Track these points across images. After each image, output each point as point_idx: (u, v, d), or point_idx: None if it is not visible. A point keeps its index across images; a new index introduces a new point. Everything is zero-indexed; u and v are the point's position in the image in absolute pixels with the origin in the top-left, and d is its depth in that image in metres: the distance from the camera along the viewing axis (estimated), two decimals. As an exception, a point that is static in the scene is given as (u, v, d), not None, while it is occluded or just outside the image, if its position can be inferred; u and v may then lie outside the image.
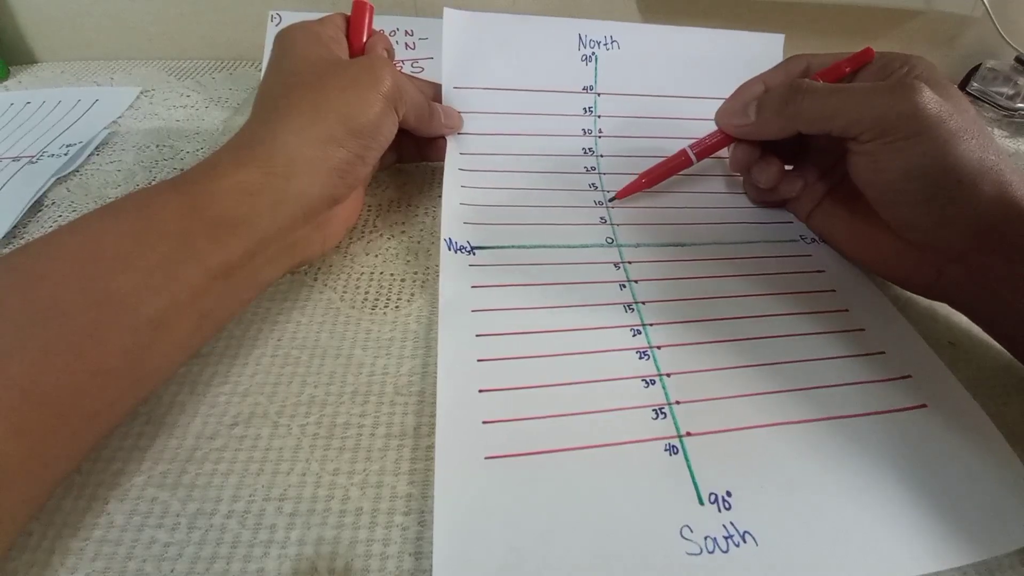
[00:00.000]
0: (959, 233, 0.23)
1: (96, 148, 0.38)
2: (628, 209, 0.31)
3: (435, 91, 0.33)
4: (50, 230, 0.31)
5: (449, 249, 0.27)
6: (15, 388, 0.16)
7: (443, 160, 0.32)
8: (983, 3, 0.44)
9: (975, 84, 0.48)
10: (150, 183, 0.35)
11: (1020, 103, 0.46)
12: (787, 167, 0.30)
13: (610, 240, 0.30)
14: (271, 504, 0.20)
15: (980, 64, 0.48)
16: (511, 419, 0.22)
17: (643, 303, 0.26)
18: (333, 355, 0.25)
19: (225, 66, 0.49)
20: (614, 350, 0.24)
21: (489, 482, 0.20)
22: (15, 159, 0.36)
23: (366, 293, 0.28)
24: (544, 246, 0.29)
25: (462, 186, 0.31)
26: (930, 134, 0.22)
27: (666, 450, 0.21)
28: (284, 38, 0.27)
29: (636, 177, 0.31)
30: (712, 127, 0.30)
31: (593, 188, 0.32)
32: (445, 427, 0.21)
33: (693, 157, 0.31)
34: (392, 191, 0.34)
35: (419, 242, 0.31)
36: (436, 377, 0.23)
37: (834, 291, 0.28)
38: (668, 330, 0.25)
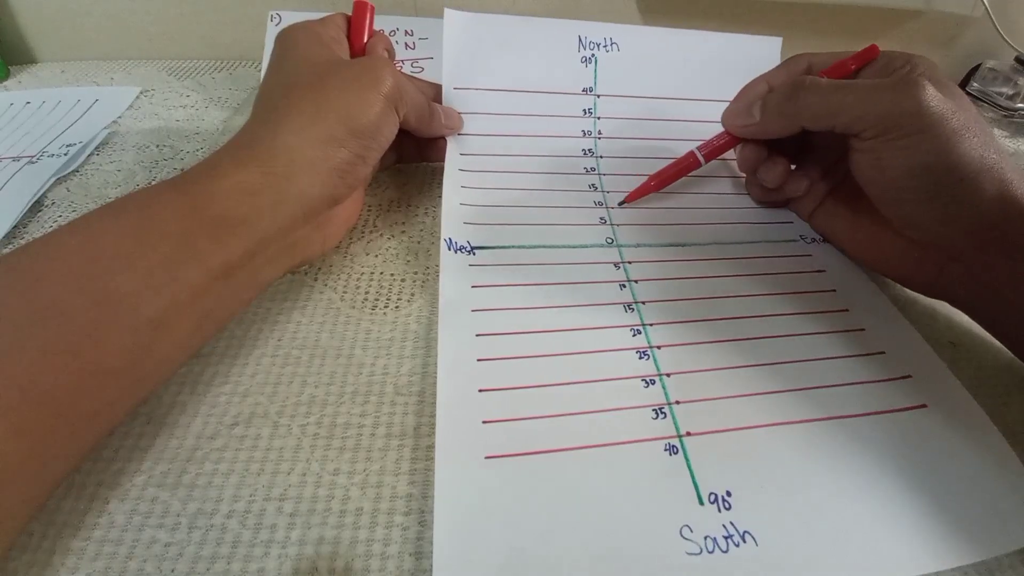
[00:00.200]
0: (960, 231, 0.23)
1: (96, 148, 0.38)
2: (628, 210, 0.31)
3: (436, 92, 0.33)
4: (50, 230, 0.31)
5: (449, 249, 0.27)
6: (14, 387, 0.16)
7: (443, 160, 0.32)
8: (983, 3, 0.44)
9: (975, 84, 0.48)
10: (150, 183, 0.35)
11: (1020, 103, 0.46)
12: (792, 167, 0.30)
13: (610, 240, 0.30)
14: (271, 504, 0.20)
15: (980, 64, 0.48)
16: (511, 419, 0.22)
17: (643, 303, 0.26)
18: (333, 355, 0.25)
19: (225, 66, 0.49)
20: (614, 350, 0.24)
21: (489, 482, 0.20)
22: (15, 159, 0.36)
23: (366, 293, 0.28)
24: (544, 246, 0.29)
25: (462, 186, 0.31)
26: (933, 132, 0.22)
27: (666, 450, 0.21)
28: (285, 38, 0.27)
29: (645, 180, 0.31)
30: (714, 127, 0.30)
31: (593, 189, 0.32)
32: (445, 427, 0.21)
33: (701, 159, 0.31)
34: (392, 191, 0.34)
35: (419, 242, 0.31)
36: (436, 377, 0.23)
37: (834, 291, 0.28)
38: (668, 330, 0.25)
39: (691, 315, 0.26)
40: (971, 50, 0.50)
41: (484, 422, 0.21)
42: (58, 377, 0.17)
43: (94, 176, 0.35)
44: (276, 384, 0.24)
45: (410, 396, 0.24)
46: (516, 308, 0.26)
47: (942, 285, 0.25)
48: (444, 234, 0.28)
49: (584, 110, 0.35)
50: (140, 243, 0.20)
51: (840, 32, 0.49)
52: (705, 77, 0.35)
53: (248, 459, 0.21)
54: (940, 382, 0.24)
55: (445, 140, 0.32)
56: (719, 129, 0.30)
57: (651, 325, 0.26)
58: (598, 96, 0.35)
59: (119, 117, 0.41)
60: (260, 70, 0.43)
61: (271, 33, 0.43)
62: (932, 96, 0.22)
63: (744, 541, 0.19)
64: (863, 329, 0.26)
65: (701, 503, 0.20)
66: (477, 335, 0.24)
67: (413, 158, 0.34)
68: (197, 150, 0.38)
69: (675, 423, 0.22)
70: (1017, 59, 0.47)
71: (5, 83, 0.46)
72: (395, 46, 0.37)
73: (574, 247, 0.29)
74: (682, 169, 0.31)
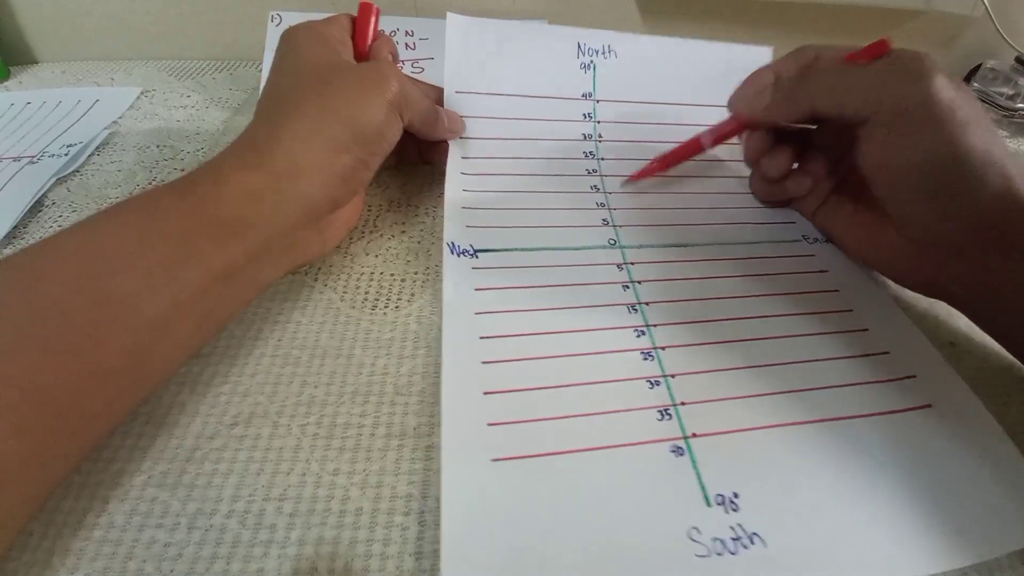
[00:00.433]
0: (961, 228, 0.23)
1: (96, 148, 0.38)
2: (630, 210, 0.31)
3: (438, 95, 0.33)
4: (51, 230, 0.31)
5: (452, 253, 0.27)
6: (14, 387, 0.16)
7: (444, 162, 0.32)
8: (983, 3, 0.44)
9: (975, 84, 0.48)
10: (150, 183, 0.35)
11: (1020, 103, 0.46)
12: (794, 165, 0.30)
13: (612, 241, 0.30)
14: (271, 504, 0.20)
15: (980, 64, 0.48)
16: (517, 421, 0.21)
17: (647, 304, 0.26)
18: (333, 355, 0.25)
19: (225, 66, 0.49)
20: (618, 351, 0.24)
21: (496, 484, 0.20)
22: (15, 159, 0.36)
23: (366, 293, 0.28)
24: (547, 248, 0.29)
25: (464, 190, 0.31)
26: (942, 121, 0.22)
27: (672, 451, 0.21)
28: (290, 39, 0.27)
29: (648, 162, 0.31)
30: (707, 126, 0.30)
31: (595, 190, 0.32)
32: (451, 429, 0.21)
33: (706, 143, 0.30)
34: (392, 191, 0.34)
35: (419, 242, 0.31)
36: (436, 377, 0.23)
37: (837, 291, 0.28)
38: (672, 331, 0.25)
39: (695, 316, 0.26)
40: (971, 50, 0.50)
41: (490, 424, 0.21)
42: (58, 377, 0.17)
43: (95, 176, 0.35)
44: (276, 384, 0.24)
45: (410, 396, 0.24)
46: (520, 310, 0.26)
47: (941, 284, 0.25)
48: (447, 238, 0.28)
49: (584, 114, 0.35)
50: (141, 244, 0.20)
51: (840, 32, 0.49)
52: (699, 83, 0.36)
53: (248, 459, 0.21)
54: (944, 382, 0.24)
55: (447, 143, 0.32)
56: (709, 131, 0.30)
57: (655, 326, 0.26)
58: (597, 101, 0.35)
59: (119, 117, 0.41)
60: (260, 70, 0.43)
61: (271, 33, 0.43)
62: (943, 86, 0.22)
63: (752, 543, 0.19)
64: (866, 329, 0.26)
65: (708, 505, 0.20)
66: (481, 337, 0.24)
67: (414, 159, 0.34)
68: (197, 150, 0.38)
69: (681, 424, 0.22)
70: (1017, 59, 0.47)
71: (5, 83, 0.46)
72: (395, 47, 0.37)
73: (577, 249, 0.29)
74: (686, 153, 0.31)
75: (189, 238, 0.20)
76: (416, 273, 0.29)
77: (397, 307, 0.27)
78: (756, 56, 0.36)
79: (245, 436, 0.22)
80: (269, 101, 0.26)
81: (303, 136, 0.23)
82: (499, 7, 0.48)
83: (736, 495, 0.20)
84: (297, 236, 0.24)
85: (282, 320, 0.26)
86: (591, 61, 0.36)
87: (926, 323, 0.27)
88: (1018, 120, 0.46)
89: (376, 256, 0.30)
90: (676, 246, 0.30)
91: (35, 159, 0.36)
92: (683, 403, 0.23)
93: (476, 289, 0.26)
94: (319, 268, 0.29)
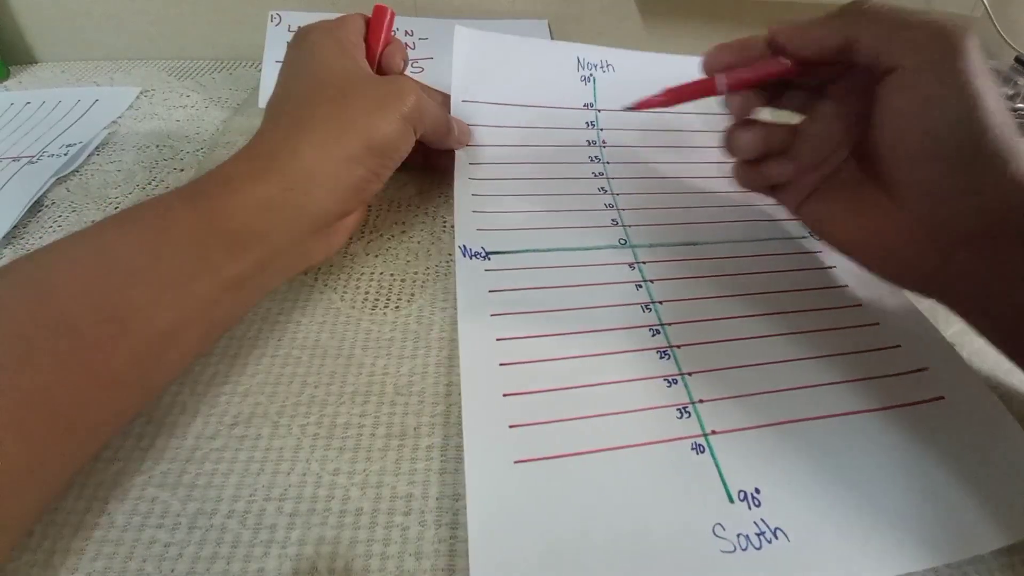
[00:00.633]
0: (976, 207, 0.22)
1: (96, 148, 0.38)
2: (639, 210, 0.32)
3: (447, 102, 0.33)
4: (50, 230, 0.31)
5: (464, 256, 0.28)
6: (25, 399, 0.16)
7: (446, 167, 0.32)
8: (983, 3, 0.44)
9: (975, 84, 0.48)
10: (150, 183, 0.35)
11: (1020, 103, 0.46)
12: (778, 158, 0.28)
13: (623, 241, 0.30)
14: (271, 504, 0.20)
15: (980, 64, 0.48)
16: (537, 422, 0.22)
17: (660, 303, 0.27)
18: (333, 355, 0.25)
19: (225, 66, 0.49)
20: (635, 350, 0.25)
21: (520, 486, 0.20)
22: (15, 159, 0.36)
23: (366, 293, 0.28)
24: (558, 249, 0.29)
25: (473, 194, 0.31)
26: (979, 90, 0.21)
27: (692, 449, 0.21)
28: (305, 42, 0.27)
29: (657, 95, 0.29)
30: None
31: (603, 192, 0.33)
32: (472, 432, 0.21)
33: (720, 87, 0.27)
34: (392, 191, 0.34)
35: (419, 242, 0.31)
36: (436, 377, 0.23)
37: (846, 286, 0.28)
38: (686, 329, 0.26)
39: (707, 314, 0.26)
40: (971, 50, 0.50)
41: (511, 426, 0.21)
42: (67, 388, 0.17)
43: (94, 176, 0.35)
44: (276, 384, 0.24)
45: (410, 396, 0.24)
46: (535, 311, 0.26)
47: (943, 279, 0.24)
48: (458, 241, 0.28)
49: (587, 122, 0.36)
50: (155, 257, 0.19)
51: (840, 32, 0.49)
52: None
53: (248, 459, 0.21)
54: (956, 373, 0.24)
55: (452, 151, 0.32)
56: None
57: (669, 325, 0.26)
58: (599, 111, 0.36)
59: (119, 117, 0.41)
60: (260, 70, 0.43)
61: (271, 33, 0.43)
62: (981, 59, 0.21)
63: (776, 537, 0.19)
64: (877, 323, 0.26)
65: (731, 501, 0.20)
66: (498, 339, 0.24)
67: (418, 164, 0.34)
68: (197, 150, 0.38)
69: (700, 422, 0.22)
70: (1017, 59, 0.47)
71: (5, 83, 0.46)
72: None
73: (588, 249, 0.29)
74: (699, 92, 0.28)
75: (201, 251, 0.20)
76: (416, 273, 0.29)
77: (397, 307, 0.27)
78: None
79: (245, 436, 0.22)
80: (282, 105, 0.25)
81: (318, 147, 0.23)
82: (499, 7, 0.48)
83: (758, 490, 0.20)
84: (306, 244, 0.24)
85: (282, 320, 0.26)
86: (591, 74, 0.37)
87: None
88: (1018, 120, 0.46)
89: (376, 256, 0.30)
90: (686, 244, 0.30)
91: (34, 159, 0.36)
92: (701, 401, 0.23)
93: (490, 291, 0.26)
94: (319, 268, 0.29)
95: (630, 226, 0.31)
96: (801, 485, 0.21)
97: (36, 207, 0.33)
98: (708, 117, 0.31)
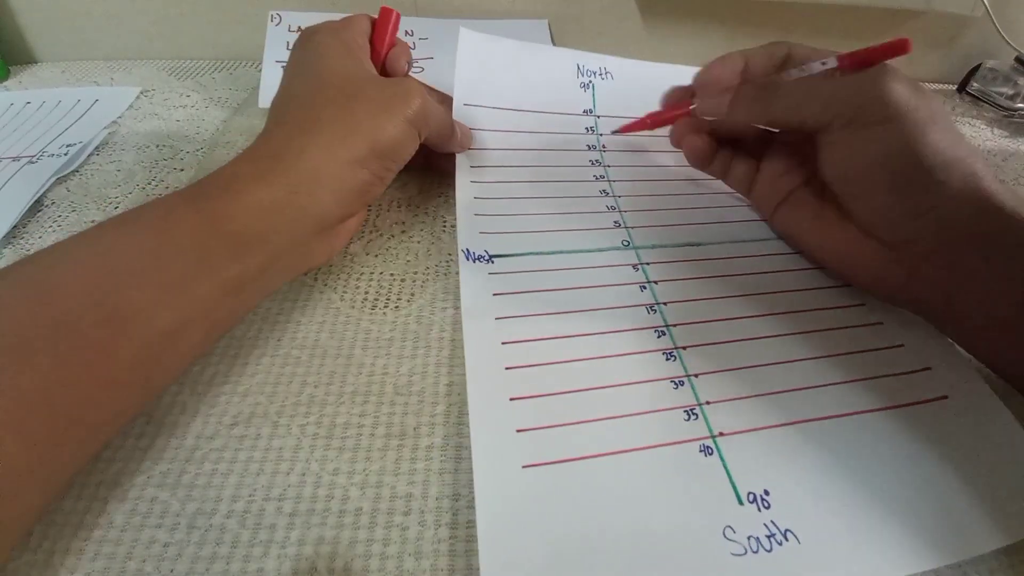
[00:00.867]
0: (931, 225, 0.23)
1: (96, 148, 0.38)
2: (641, 212, 0.32)
3: (450, 104, 0.33)
4: (50, 230, 0.31)
5: (468, 259, 0.28)
6: (25, 400, 0.16)
7: (447, 170, 0.32)
8: (983, 3, 0.44)
9: (975, 84, 0.48)
10: (150, 183, 0.35)
11: (1020, 103, 0.46)
12: (730, 151, 0.30)
13: (626, 243, 0.30)
14: (271, 504, 0.20)
15: (980, 64, 0.48)
16: (544, 426, 0.22)
17: (664, 304, 0.27)
18: (333, 355, 0.25)
19: (225, 66, 0.49)
20: (641, 352, 0.25)
21: (528, 491, 0.20)
22: (15, 159, 0.36)
23: (366, 293, 0.28)
24: (562, 252, 0.29)
25: (475, 197, 0.31)
26: (901, 120, 0.22)
27: (701, 451, 0.21)
28: (311, 42, 0.27)
29: (640, 118, 0.32)
30: None
31: (604, 195, 0.33)
32: (480, 437, 0.21)
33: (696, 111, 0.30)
34: (393, 191, 0.34)
35: (419, 242, 0.31)
36: (436, 377, 0.23)
37: (849, 286, 0.28)
38: (691, 330, 0.26)
39: (712, 315, 0.26)
40: (971, 50, 0.50)
41: (518, 431, 0.21)
42: (68, 389, 0.17)
43: (94, 176, 0.35)
44: (276, 384, 0.24)
45: (410, 396, 0.24)
46: (539, 314, 0.26)
47: (913, 291, 0.24)
48: (461, 245, 0.28)
49: (587, 128, 0.36)
50: (155, 258, 0.19)
51: (840, 32, 0.49)
52: None
53: (248, 459, 0.21)
54: (959, 372, 0.24)
55: (454, 154, 0.32)
56: None
57: (674, 326, 0.26)
58: (598, 116, 0.37)
59: (119, 117, 0.41)
60: (260, 70, 0.43)
61: (271, 33, 0.43)
62: (900, 87, 0.22)
63: (787, 539, 0.19)
64: (881, 323, 0.26)
65: (740, 503, 0.20)
66: (503, 343, 0.24)
67: (419, 165, 0.34)
68: (197, 150, 0.38)
69: (707, 424, 0.22)
70: (1017, 59, 0.47)
71: (5, 83, 0.46)
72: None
73: (591, 251, 0.29)
74: (677, 117, 0.31)
75: (203, 253, 0.20)
76: (416, 273, 0.29)
77: (397, 307, 0.27)
78: None
79: (245, 436, 0.22)
80: (286, 107, 0.25)
81: (323, 149, 0.23)
82: (499, 7, 0.48)
83: (767, 492, 0.20)
84: (308, 246, 0.24)
85: (282, 320, 0.26)
86: (590, 81, 0.38)
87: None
88: (1018, 120, 0.46)
89: (376, 256, 0.30)
90: (689, 245, 0.30)
91: (34, 159, 0.36)
92: (708, 402, 0.23)
93: (494, 295, 0.26)
94: (319, 268, 0.29)
95: (633, 228, 0.31)
96: (810, 486, 0.21)
97: (36, 207, 0.33)
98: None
